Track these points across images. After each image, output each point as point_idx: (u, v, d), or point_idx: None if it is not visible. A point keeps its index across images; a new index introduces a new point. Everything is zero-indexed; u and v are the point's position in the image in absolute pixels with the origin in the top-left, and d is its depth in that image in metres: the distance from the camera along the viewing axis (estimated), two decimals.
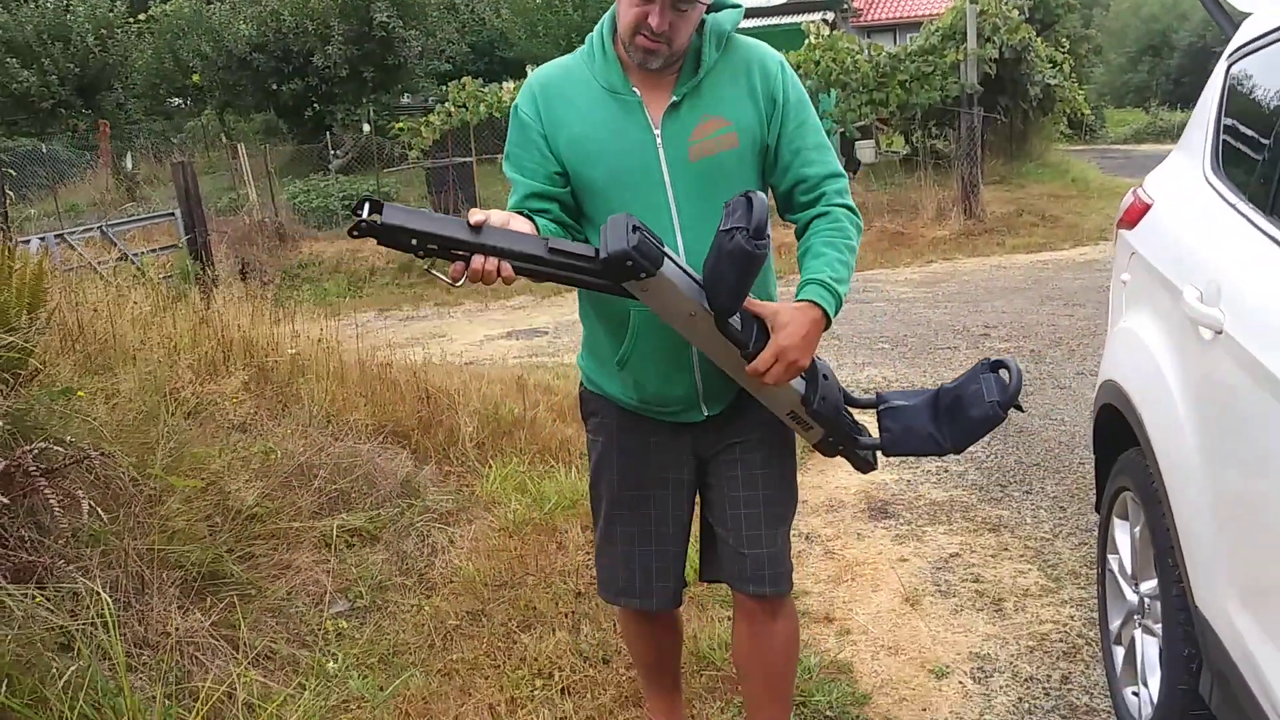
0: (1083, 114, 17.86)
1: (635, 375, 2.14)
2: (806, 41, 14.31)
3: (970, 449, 4.62)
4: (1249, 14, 2.49)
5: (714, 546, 2.30)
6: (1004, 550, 3.69)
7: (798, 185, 2.10)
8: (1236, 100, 2.42)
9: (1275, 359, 1.73)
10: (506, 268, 1.81)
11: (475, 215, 1.81)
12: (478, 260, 1.79)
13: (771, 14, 17.47)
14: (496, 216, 1.85)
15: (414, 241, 1.78)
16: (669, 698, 2.58)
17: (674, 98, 2.04)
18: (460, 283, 1.83)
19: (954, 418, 2.14)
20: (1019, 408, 2.15)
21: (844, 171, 2.18)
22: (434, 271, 1.88)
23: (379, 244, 1.80)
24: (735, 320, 1.95)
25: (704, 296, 1.90)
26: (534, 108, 2.09)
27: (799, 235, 2.12)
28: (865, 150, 17.14)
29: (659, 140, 2.04)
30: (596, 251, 1.84)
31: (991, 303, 8.51)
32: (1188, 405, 2.11)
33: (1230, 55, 2.50)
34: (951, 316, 8.00)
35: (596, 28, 2.12)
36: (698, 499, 2.32)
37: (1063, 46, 17.19)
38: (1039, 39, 16.19)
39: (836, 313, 2.02)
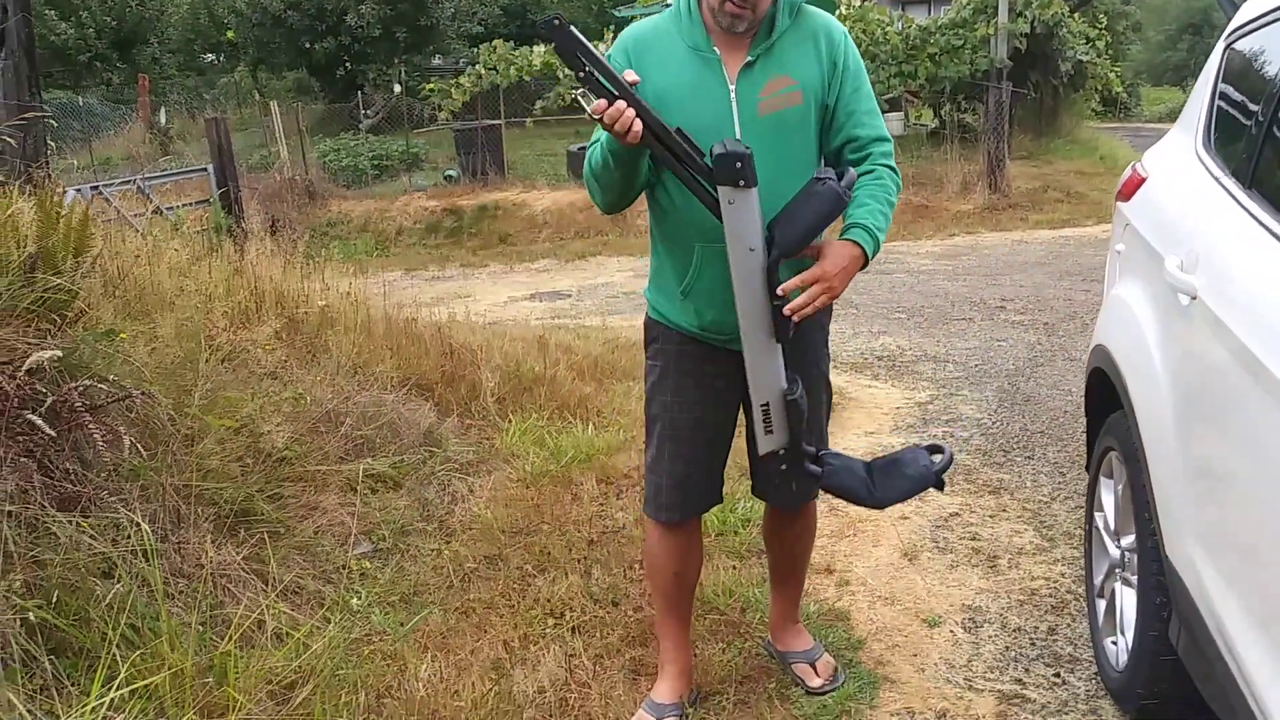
0: (1115, 91, 17.71)
1: (697, 303, 2.38)
2: (838, 11, 14.29)
3: (976, 415, 4.74)
4: None
5: (755, 467, 2.58)
6: (1002, 511, 3.82)
7: (848, 144, 2.36)
8: (1229, 80, 2.52)
9: (1240, 324, 1.85)
10: (638, 125, 2.07)
11: (630, 74, 2.11)
12: (621, 104, 2.05)
13: None
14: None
15: (583, 61, 2.05)
16: (680, 622, 2.76)
17: (749, 58, 2.30)
18: (599, 117, 2.08)
19: (887, 476, 2.38)
20: (941, 485, 2.39)
21: (890, 136, 2.43)
22: (581, 100, 2.12)
23: (556, 50, 2.07)
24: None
25: (766, 241, 2.16)
26: (625, 58, 2.34)
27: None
28: (894, 123, 17.09)
29: (733, 94, 2.29)
30: (710, 150, 2.11)
31: (1011, 276, 8.58)
32: (1166, 368, 2.24)
33: (1228, 35, 2.60)
34: (970, 289, 8.09)
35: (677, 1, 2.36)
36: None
37: (1100, 23, 17.04)
38: (1076, 15, 16.08)
39: (874, 256, 2.28)
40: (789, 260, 2.21)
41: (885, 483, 2.38)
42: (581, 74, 2.06)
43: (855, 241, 2.24)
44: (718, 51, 2.30)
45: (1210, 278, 2.05)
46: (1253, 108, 2.26)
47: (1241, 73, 2.45)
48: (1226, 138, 2.42)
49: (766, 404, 2.30)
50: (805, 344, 2.46)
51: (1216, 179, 2.29)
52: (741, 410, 2.53)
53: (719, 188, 2.13)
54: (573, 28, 2.05)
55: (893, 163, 2.39)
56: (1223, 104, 2.51)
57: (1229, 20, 2.66)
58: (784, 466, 2.39)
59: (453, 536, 3.75)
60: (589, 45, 2.05)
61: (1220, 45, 2.63)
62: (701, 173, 2.17)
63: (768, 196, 2.20)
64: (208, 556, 3.03)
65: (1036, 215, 12.04)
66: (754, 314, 2.22)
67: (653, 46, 2.32)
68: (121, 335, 3.35)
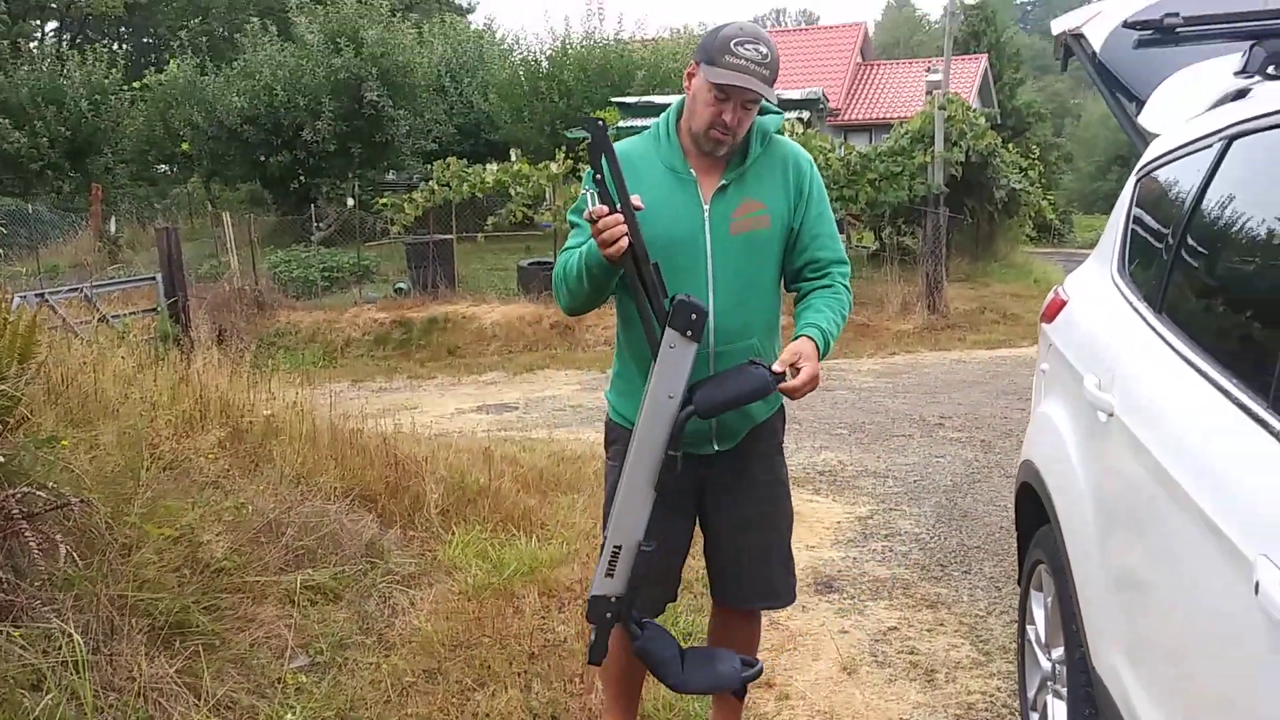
0: (1047, 218, 18.40)
1: None
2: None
3: (915, 531, 4.81)
4: (1158, 134, 2.76)
5: (711, 566, 2.70)
6: (940, 625, 3.86)
7: (810, 264, 2.54)
8: (1141, 209, 2.68)
9: (1152, 440, 1.94)
10: (624, 242, 2.22)
11: (637, 199, 2.27)
12: (615, 219, 2.21)
13: None
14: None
15: (605, 166, 2.21)
16: (626, 712, 2.83)
17: (723, 181, 2.47)
18: (594, 220, 2.23)
19: (697, 664, 2.47)
20: (739, 695, 2.58)
21: (848, 259, 2.63)
22: (588, 197, 2.30)
23: (589, 144, 2.23)
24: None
25: (687, 393, 2.27)
26: None
27: (800, 299, 2.54)
28: None
29: (707, 214, 2.46)
30: (674, 296, 2.26)
31: (949, 394, 8.78)
32: (1087, 482, 2.33)
33: (1139, 169, 2.77)
34: (910, 406, 8.25)
35: (664, 116, 2.56)
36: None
37: (1032, 153, 17.79)
38: (1010, 145, 16.77)
39: (823, 355, 2.42)
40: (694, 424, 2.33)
41: (694, 670, 2.44)
42: (599, 175, 2.22)
43: (809, 336, 2.39)
44: (694, 173, 2.47)
45: (1125, 396, 2.15)
46: (1162, 234, 2.41)
47: (1152, 203, 2.61)
48: (1139, 264, 2.56)
49: (619, 547, 2.34)
50: (758, 453, 2.59)
51: (1130, 303, 2.42)
52: (700, 505, 2.62)
53: (668, 330, 2.26)
54: (609, 134, 2.22)
55: (849, 284, 2.58)
56: (1135, 231, 2.67)
57: (1141, 154, 2.84)
58: (609, 615, 2.38)
59: (392, 650, 3.70)
60: (616, 155, 2.22)
61: (1133, 178, 2.80)
62: (659, 311, 2.29)
63: (734, 309, 2.41)
64: (140, 669, 2.98)
65: (974, 335, 12.36)
66: (645, 457, 2.31)
67: (634, 165, 2.46)
68: (63, 443, 3.34)
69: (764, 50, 2.34)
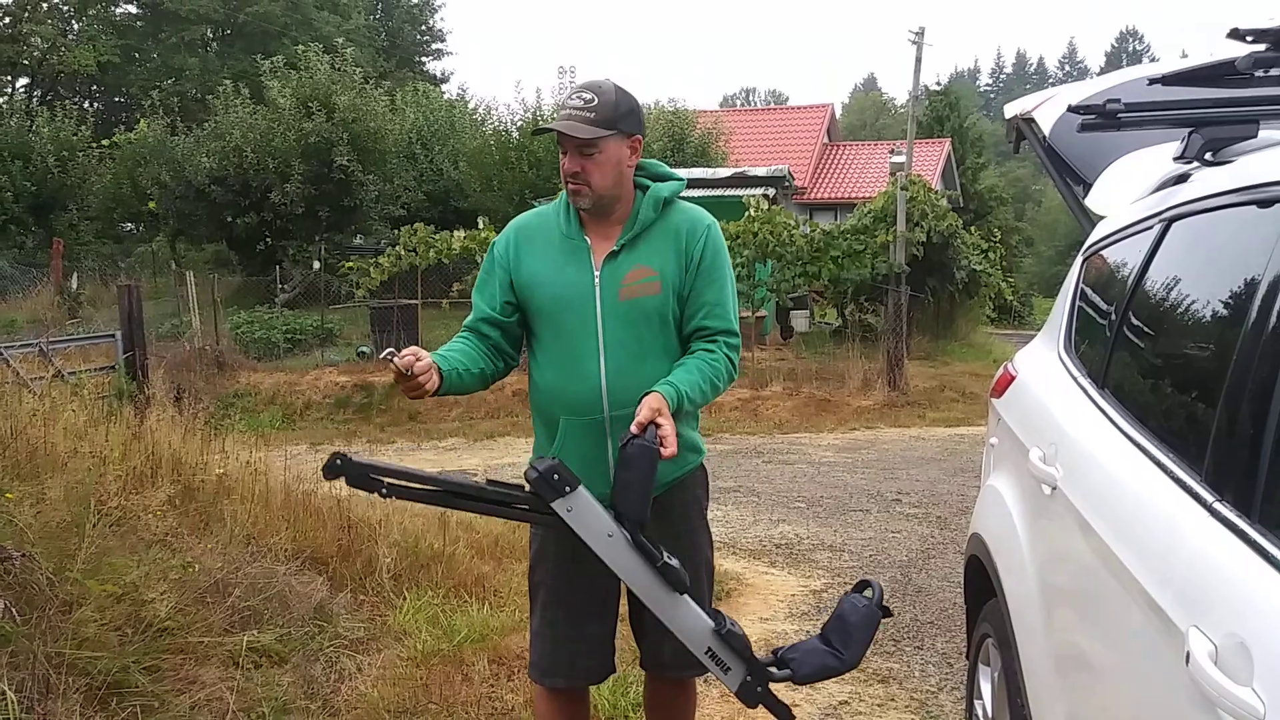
0: (1007, 299, 18.71)
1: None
2: (747, 214, 15.00)
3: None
4: (1103, 216, 2.84)
5: (637, 635, 2.70)
6: (891, 700, 3.85)
7: (698, 332, 2.53)
8: (1086, 288, 2.74)
9: (1094, 514, 1.97)
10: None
11: (404, 356, 2.29)
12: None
13: (716, 186, 18.28)
14: (419, 356, 2.33)
15: (379, 480, 2.24)
16: None
17: (615, 247, 2.50)
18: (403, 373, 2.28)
19: (843, 634, 2.41)
20: (888, 611, 2.48)
21: (739, 331, 2.60)
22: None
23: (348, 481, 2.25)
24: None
25: (616, 518, 2.26)
26: (505, 246, 2.60)
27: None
28: (799, 319, 17.76)
29: (597, 280, 2.49)
30: (524, 484, 2.22)
31: (907, 471, 8.83)
32: (1032, 555, 2.35)
33: (1086, 249, 2.84)
34: (868, 481, 8.29)
35: (562, 196, 2.59)
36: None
37: (993, 236, 18.15)
38: (971, 228, 17.10)
39: (675, 407, 2.35)
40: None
41: (846, 641, 2.40)
42: (383, 491, 2.23)
43: (659, 392, 2.34)
44: (589, 240, 2.52)
45: (1068, 469, 2.19)
46: (1104, 315, 2.47)
47: (1097, 282, 2.68)
48: (1084, 340, 2.62)
49: (709, 650, 2.33)
50: (675, 513, 2.59)
51: (1075, 378, 2.47)
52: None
53: (554, 505, 2.22)
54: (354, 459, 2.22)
55: (735, 356, 2.56)
56: (1082, 308, 2.73)
57: (1088, 235, 2.91)
58: (759, 689, 2.41)
59: (336, 715, 3.64)
60: (377, 466, 2.25)
61: (1080, 257, 2.88)
62: (528, 503, 2.25)
63: (625, 373, 2.45)
64: None
65: (933, 413, 12.47)
66: (648, 586, 2.30)
67: (535, 233, 2.58)
68: (7, 495, 3.29)
69: (588, 96, 2.41)
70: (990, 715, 2.73)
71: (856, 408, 12.68)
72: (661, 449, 2.24)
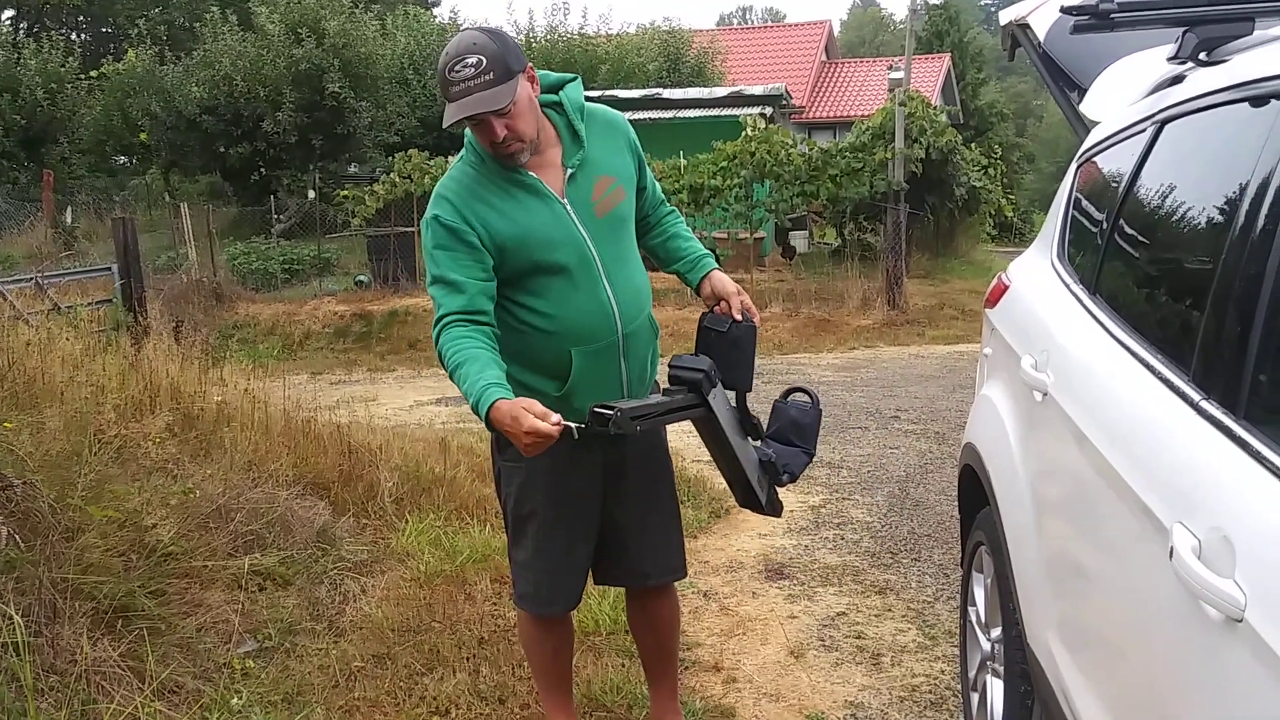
0: (1008, 216, 18.59)
1: (578, 401, 2.38)
2: (744, 133, 14.84)
3: (867, 519, 4.85)
4: (1097, 122, 2.80)
5: (611, 553, 2.66)
6: (888, 611, 3.90)
7: (657, 212, 2.71)
8: (1080, 195, 2.72)
9: (1084, 419, 1.98)
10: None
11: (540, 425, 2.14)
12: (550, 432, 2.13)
13: (713, 105, 18.07)
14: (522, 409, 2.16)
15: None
16: (565, 697, 2.84)
17: (569, 169, 2.41)
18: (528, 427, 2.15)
19: (798, 433, 2.72)
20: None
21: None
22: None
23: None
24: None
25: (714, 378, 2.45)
26: (457, 213, 2.36)
27: (659, 237, 2.71)
28: (798, 240, 17.67)
29: (567, 207, 2.39)
30: (693, 384, 2.39)
31: (906, 388, 8.85)
32: (1023, 461, 2.37)
33: (1079, 157, 2.81)
34: (867, 400, 8.31)
35: (466, 139, 2.43)
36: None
37: (994, 153, 17.96)
38: (972, 145, 16.92)
39: None
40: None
41: (807, 438, 2.71)
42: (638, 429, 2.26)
43: (718, 271, 2.62)
44: (533, 174, 2.38)
45: (1059, 375, 2.19)
46: (1096, 220, 2.45)
47: (1089, 188, 2.66)
48: (1076, 248, 2.61)
49: (758, 476, 2.61)
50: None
51: (1067, 285, 2.46)
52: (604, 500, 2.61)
53: (708, 396, 2.41)
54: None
55: None
56: (1073, 218, 2.71)
57: (1081, 141, 2.88)
58: (775, 496, 2.72)
59: (341, 636, 3.69)
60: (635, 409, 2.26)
61: (1074, 165, 2.85)
62: (691, 400, 2.41)
63: (626, 286, 2.46)
64: (82, 652, 2.95)
65: (933, 331, 12.47)
66: (741, 441, 2.53)
67: (473, 193, 2.37)
68: (6, 425, 3.30)
69: (472, 60, 2.21)
70: (983, 620, 2.77)
71: (856, 327, 12.68)
72: (755, 320, 2.54)
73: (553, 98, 2.45)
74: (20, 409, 3.69)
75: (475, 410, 2.21)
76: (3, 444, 3.26)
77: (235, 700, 3.16)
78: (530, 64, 2.34)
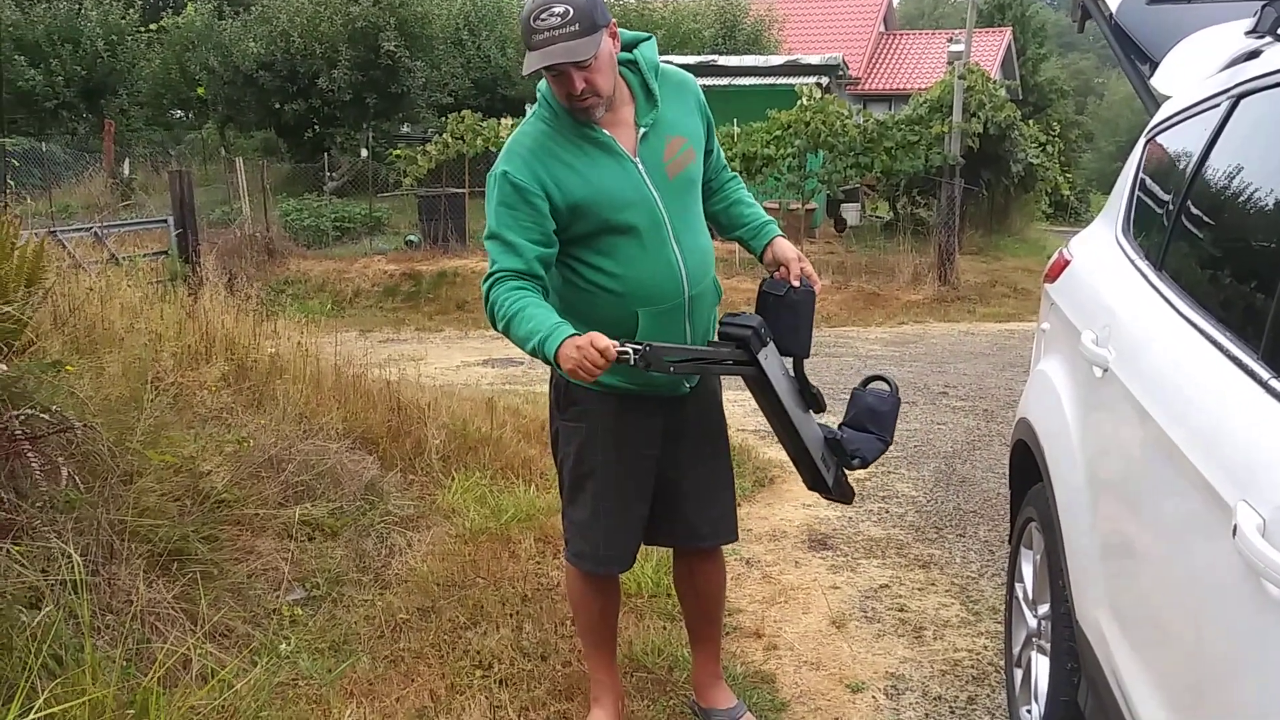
0: (1064, 195, 18.29)
1: None
2: (799, 103, 14.69)
3: (912, 494, 4.83)
4: (1169, 97, 2.74)
5: (665, 514, 2.67)
6: (931, 585, 3.89)
7: (720, 177, 2.70)
8: (1147, 171, 2.67)
9: (1147, 396, 1.95)
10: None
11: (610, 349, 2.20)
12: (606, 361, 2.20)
13: (768, 74, 17.89)
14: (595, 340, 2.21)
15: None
16: (609, 656, 2.86)
17: (642, 128, 2.40)
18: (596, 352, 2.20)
19: (876, 421, 2.71)
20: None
21: None
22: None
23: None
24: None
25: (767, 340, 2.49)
26: (530, 172, 2.36)
27: (723, 202, 2.71)
28: (850, 213, 17.51)
29: (640, 167, 2.39)
30: (742, 340, 2.44)
31: (955, 365, 8.77)
32: (1080, 436, 2.34)
33: (1149, 131, 2.76)
34: (915, 375, 8.25)
35: (539, 94, 2.44)
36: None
37: (1053, 130, 17.63)
38: (1030, 121, 16.62)
39: None
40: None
41: (884, 427, 2.70)
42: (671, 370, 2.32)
43: (780, 235, 2.63)
44: (607, 131, 2.38)
45: (1121, 350, 2.16)
46: (1165, 196, 2.40)
47: (1158, 165, 2.61)
48: (1143, 224, 2.56)
49: (822, 454, 2.65)
50: (710, 389, 2.68)
51: (1132, 261, 2.42)
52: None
53: (758, 354, 2.44)
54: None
55: None
56: (1141, 194, 2.66)
57: (1151, 116, 2.82)
58: (844, 478, 2.76)
59: (387, 588, 3.75)
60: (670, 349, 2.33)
61: (1142, 139, 2.79)
62: (738, 356, 2.46)
63: (694, 248, 2.46)
64: (138, 592, 3.02)
65: (984, 308, 12.33)
66: (797, 407, 2.56)
67: (546, 150, 2.37)
68: (68, 368, 3.37)
69: (559, 10, 2.20)
70: (1030, 597, 2.75)
71: (906, 302, 12.57)
72: (816, 287, 2.55)
73: (627, 56, 2.43)
74: (81, 354, 3.76)
75: (540, 348, 2.23)
76: (64, 387, 3.32)
77: (284, 646, 3.22)
78: (613, 20, 2.33)
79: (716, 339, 2.52)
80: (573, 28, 2.21)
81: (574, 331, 2.20)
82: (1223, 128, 2.14)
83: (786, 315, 2.50)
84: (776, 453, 5.75)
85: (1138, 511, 1.97)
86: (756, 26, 24.96)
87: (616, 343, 2.19)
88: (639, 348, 2.21)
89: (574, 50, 2.21)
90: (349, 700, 2.95)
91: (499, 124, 16.58)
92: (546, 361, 2.26)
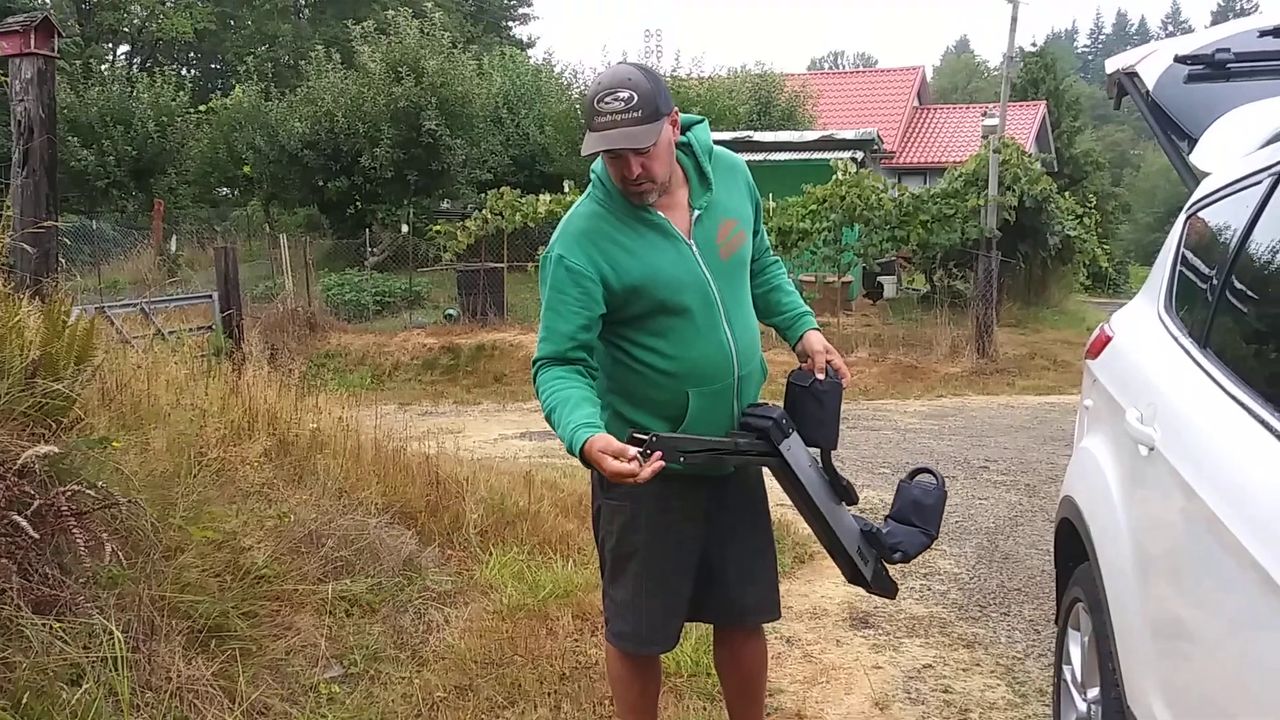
0: (1102, 266, 18.22)
1: None
2: (835, 177, 14.80)
3: (954, 570, 4.76)
4: (1209, 173, 2.74)
5: (708, 590, 2.64)
6: (976, 665, 3.81)
7: (761, 260, 2.72)
8: (1189, 247, 2.66)
9: (1194, 475, 1.92)
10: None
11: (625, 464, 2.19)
12: (631, 470, 2.19)
13: (803, 149, 18.06)
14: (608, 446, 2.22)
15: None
16: None
17: (696, 211, 2.43)
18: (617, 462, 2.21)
19: (921, 515, 2.67)
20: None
21: None
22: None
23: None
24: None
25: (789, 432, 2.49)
26: (585, 255, 2.38)
27: (753, 282, 2.66)
28: (887, 285, 17.51)
29: (695, 250, 2.41)
30: (762, 430, 2.45)
31: (995, 438, 8.68)
32: (1127, 518, 2.30)
33: (1189, 208, 2.75)
34: (954, 449, 8.17)
35: (593, 175, 2.46)
36: None
37: (1089, 201, 17.62)
38: (1066, 194, 16.62)
39: None
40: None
41: (929, 520, 2.66)
42: (680, 460, 2.31)
43: (816, 330, 2.66)
44: (661, 214, 2.40)
45: (1167, 430, 2.13)
46: (1209, 273, 2.39)
47: (1200, 241, 2.60)
48: (1185, 300, 2.54)
49: (858, 547, 2.62)
50: (752, 469, 2.64)
51: (1175, 338, 2.40)
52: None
53: (780, 446, 2.45)
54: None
55: None
56: (1183, 269, 2.65)
57: (1191, 193, 2.82)
58: (884, 572, 2.72)
59: (425, 665, 3.72)
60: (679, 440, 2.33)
61: (1183, 215, 2.79)
62: (761, 448, 2.47)
63: (744, 331, 2.47)
64: (177, 669, 3.02)
65: (1023, 381, 12.23)
66: (827, 499, 2.57)
67: (602, 232, 2.39)
68: (114, 444, 3.41)
69: (624, 95, 2.21)
70: (1079, 680, 2.69)
71: (944, 374, 12.50)
72: (844, 380, 2.57)
73: (682, 139, 2.44)
74: (127, 429, 3.82)
75: (570, 452, 2.27)
76: (110, 463, 3.36)
77: None
78: (676, 108, 2.36)
79: (736, 428, 2.51)
80: (636, 114, 2.22)
81: (588, 434, 2.22)
82: (1265, 204, 2.13)
83: (812, 407, 2.53)
84: None
85: (1188, 593, 1.93)
86: (791, 102, 25.25)
87: (635, 451, 2.20)
88: (644, 438, 2.22)
89: (635, 137, 2.23)
90: None
91: (537, 200, 16.79)
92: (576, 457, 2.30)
